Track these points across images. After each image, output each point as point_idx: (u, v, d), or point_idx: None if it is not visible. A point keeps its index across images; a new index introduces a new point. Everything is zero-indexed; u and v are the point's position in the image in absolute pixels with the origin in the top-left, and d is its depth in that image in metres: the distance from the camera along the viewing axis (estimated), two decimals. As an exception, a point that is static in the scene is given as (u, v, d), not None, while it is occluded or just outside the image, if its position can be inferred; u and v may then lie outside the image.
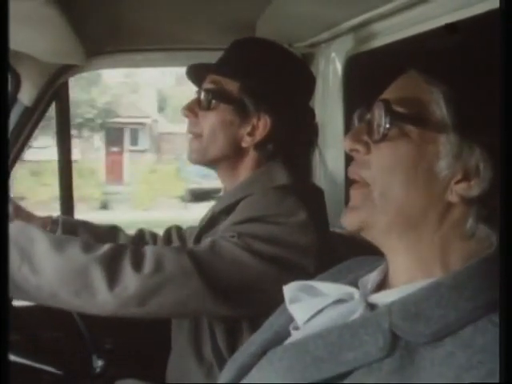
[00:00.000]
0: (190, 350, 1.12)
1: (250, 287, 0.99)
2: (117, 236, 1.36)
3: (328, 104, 1.56)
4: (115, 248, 0.99)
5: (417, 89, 0.62)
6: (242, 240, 1.00)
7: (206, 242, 1.03)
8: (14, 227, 1.01)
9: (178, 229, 1.43)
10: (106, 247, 0.98)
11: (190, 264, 0.97)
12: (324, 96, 1.56)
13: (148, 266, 0.96)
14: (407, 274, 0.64)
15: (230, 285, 0.99)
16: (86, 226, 1.34)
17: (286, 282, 0.97)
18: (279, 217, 1.03)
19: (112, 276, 0.95)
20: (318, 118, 1.24)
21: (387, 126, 0.61)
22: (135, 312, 0.97)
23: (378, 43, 1.32)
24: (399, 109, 0.61)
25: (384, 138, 0.61)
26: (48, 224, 1.29)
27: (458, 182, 0.59)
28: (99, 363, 1.38)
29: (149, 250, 0.99)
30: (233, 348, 1.05)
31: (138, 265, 0.96)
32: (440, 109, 0.59)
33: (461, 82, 0.59)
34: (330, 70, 1.55)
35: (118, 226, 1.40)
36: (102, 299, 0.95)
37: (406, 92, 0.63)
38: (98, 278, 0.95)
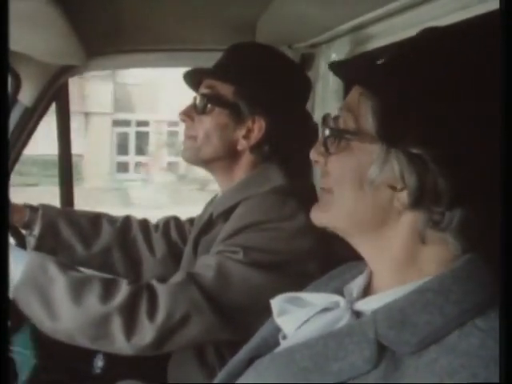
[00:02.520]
0: (192, 353, 1.12)
1: (264, 305, 0.98)
2: (100, 228, 1.34)
3: (328, 105, 1.56)
4: (131, 295, 0.98)
5: (354, 102, 0.64)
6: (247, 255, 1.00)
7: (211, 263, 1.01)
8: (35, 262, 1.00)
9: (176, 221, 1.43)
10: (123, 295, 0.98)
11: (202, 299, 0.98)
12: (324, 97, 1.56)
13: (162, 312, 0.97)
14: (384, 277, 0.65)
15: (245, 309, 0.99)
16: (68, 218, 1.32)
17: (296, 289, 0.96)
18: (280, 222, 1.03)
19: (129, 327, 0.96)
20: (318, 119, 1.24)
21: (330, 139, 0.65)
22: (152, 354, 1.00)
23: (378, 44, 1.32)
24: (340, 123, 0.66)
25: (327, 150, 0.66)
26: (27, 215, 1.27)
27: (400, 190, 0.60)
28: (100, 364, 1.38)
29: (161, 293, 0.99)
30: (235, 352, 1.05)
31: (152, 313, 0.97)
32: (369, 120, 0.62)
33: (386, 91, 0.61)
34: (331, 70, 1.55)
35: (103, 215, 1.38)
36: (120, 347, 0.98)
37: (348, 105, 0.66)
38: (115, 329, 0.96)
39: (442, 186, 0.57)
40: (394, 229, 0.62)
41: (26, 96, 1.51)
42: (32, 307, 0.96)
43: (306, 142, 1.23)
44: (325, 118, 0.68)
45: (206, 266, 1.02)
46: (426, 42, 0.62)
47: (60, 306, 0.96)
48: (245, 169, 1.16)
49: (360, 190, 0.62)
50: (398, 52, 0.64)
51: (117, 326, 0.96)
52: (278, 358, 0.65)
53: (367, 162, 0.62)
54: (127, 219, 1.40)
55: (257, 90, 1.11)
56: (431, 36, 0.63)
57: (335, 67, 0.69)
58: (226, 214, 1.11)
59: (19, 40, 1.17)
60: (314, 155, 0.69)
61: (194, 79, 1.20)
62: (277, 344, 0.72)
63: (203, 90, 1.16)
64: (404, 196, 0.60)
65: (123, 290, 0.99)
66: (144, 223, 1.41)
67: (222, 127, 1.13)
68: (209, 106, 1.14)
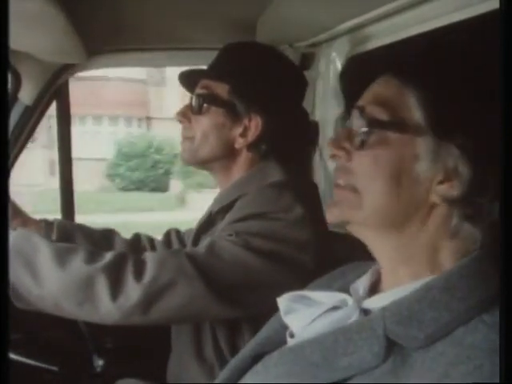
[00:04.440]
0: (191, 350, 1.12)
1: (251, 285, 1.00)
2: (113, 240, 1.35)
3: (329, 104, 1.56)
4: (117, 257, 0.99)
5: (392, 93, 0.62)
6: (240, 238, 1.01)
7: (205, 243, 1.03)
8: (19, 235, 1.02)
9: (177, 232, 1.44)
10: (108, 257, 0.99)
11: (190, 267, 0.98)
12: (324, 96, 1.56)
13: (149, 273, 0.97)
14: (396, 275, 0.65)
15: (231, 284, 0.99)
16: (82, 230, 1.33)
17: (286, 277, 0.98)
18: (276, 213, 1.04)
19: (114, 287, 0.96)
20: (319, 118, 1.24)
21: (365, 133, 0.62)
22: (138, 320, 0.98)
23: (378, 43, 1.32)
24: (375, 114, 0.63)
25: (363, 145, 0.63)
26: (42, 227, 1.28)
27: (439, 183, 0.60)
28: (100, 362, 1.39)
29: (149, 258, 1.00)
30: (234, 349, 1.05)
31: (139, 273, 0.97)
32: (415, 111, 0.60)
33: (434, 84, 0.60)
34: (331, 69, 1.55)
35: (114, 230, 1.39)
36: (106, 310, 0.96)
37: (382, 96, 0.63)
38: (100, 289, 0.96)
39: (490, 176, 0.57)
40: (420, 224, 0.62)
41: (26, 94, 1.51)
42: (19, 276, 0.97)
43: (304, 140, 1.24)
44: (355, 110, 0.65)
45: (200, 246, 1.04)
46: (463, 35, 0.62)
47: (45, 272, 0.97)
48: (243, 167, 1.16)
49: (396, 185, 0.61)
50: (436, 43, 0.64)
51: (102, 285, 0.95)
52: (288, 354, 0.65)
53: (409, 155, 0.60)
54: (136, 235, 1.42)
55: (252, 87, 1.12)
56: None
57: (353, 62, 0.67)
58: (225, 211, 1.12)
59: (19, 38, 1.17)
60: (333, 150, 0.66)
61: (189, 80, 1.20)
62: (282, 342, 0.72)
63: (199, 91, 1.16)
64: (445, 188, 0.59)
65: (109, 253, 1.00)
66: (150, 237, 1.44)
67: (219, 126, 1.14)
68: (205, 105, 1.14)
